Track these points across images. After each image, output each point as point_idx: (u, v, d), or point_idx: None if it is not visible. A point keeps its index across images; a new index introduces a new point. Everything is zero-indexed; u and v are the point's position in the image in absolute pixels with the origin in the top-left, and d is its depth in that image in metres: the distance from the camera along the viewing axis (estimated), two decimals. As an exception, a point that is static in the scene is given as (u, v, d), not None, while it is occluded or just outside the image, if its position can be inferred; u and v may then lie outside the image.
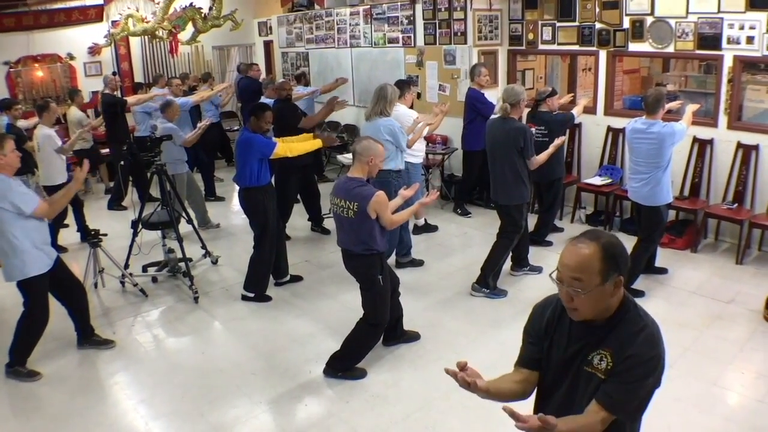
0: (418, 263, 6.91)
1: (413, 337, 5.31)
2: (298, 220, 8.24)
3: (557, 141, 6.30)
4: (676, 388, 4.57)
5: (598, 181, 7.89)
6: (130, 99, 9.69)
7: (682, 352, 5.09)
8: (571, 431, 2.14)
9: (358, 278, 4.74)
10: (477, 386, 2.17)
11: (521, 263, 6.55)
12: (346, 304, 5.61)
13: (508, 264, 6.43)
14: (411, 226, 7.30)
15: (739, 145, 7.11)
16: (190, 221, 7.03)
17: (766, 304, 5.60)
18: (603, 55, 8.10)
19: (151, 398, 4.64)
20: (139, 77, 12.87)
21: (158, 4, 11.13)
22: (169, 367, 5.06)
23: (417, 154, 7.03)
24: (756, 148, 6.98)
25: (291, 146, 6.06)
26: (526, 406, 2.50)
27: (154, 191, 7.58)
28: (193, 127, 8.37)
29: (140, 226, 6.54)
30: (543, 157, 6.07)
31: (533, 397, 2.52)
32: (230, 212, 9.27)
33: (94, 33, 12.18)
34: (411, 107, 7.18)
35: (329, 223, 7.65)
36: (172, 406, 4.52)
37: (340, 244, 4.73)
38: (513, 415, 1.98)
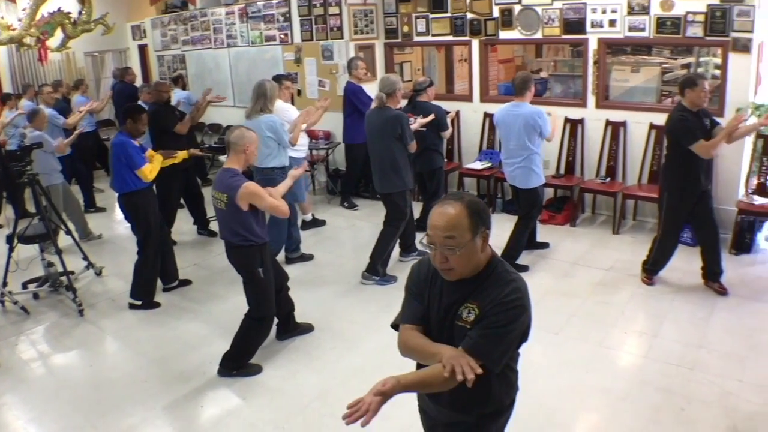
0: (308, 258, 6.94)
1: (307, 329, 5.34)
2: (183, 225, 8.12)
3: (422, 120, 6.58)
4: (564, 352, 4.85)
5: (478, 165, 8.15)
6: None
7: (568, 319, 5.37)
8: (420, 379, 2.24)
9: (239, 271, 4.73)
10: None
11: (409, 249, 6.68)
12: (238, 305, 5.53)
13: (397, 251, 6.56)
14: (299, 222, 7.31)
15: (608, 123, 7.52)
16: (69, 233, 6.79)
17: (643, 267, 6.01)
18: (475, 44, 8.37)
19: (40, 417, 4.46)
20: (7, 88, 12.24)
21: (24, 10, 10.64)
22: (58, 384, 4.88)
23: (300, 149, 7.02)
24: (624, 124, 7.41)
25: (153, 167, 5.91)
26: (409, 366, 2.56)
27: (32, 207, 7.29)
28: (66, 136, 8.06)
29: (16, 240, 6.26)
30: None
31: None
32: (113, 222, 8.99)
33: (-44, 43, 11.53)
34: (292, 103, 7.18)
35: (215, 226, 7.55)
36: (63, 423, 4.36)
37: (221, 237, 4.73)
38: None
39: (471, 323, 2.28)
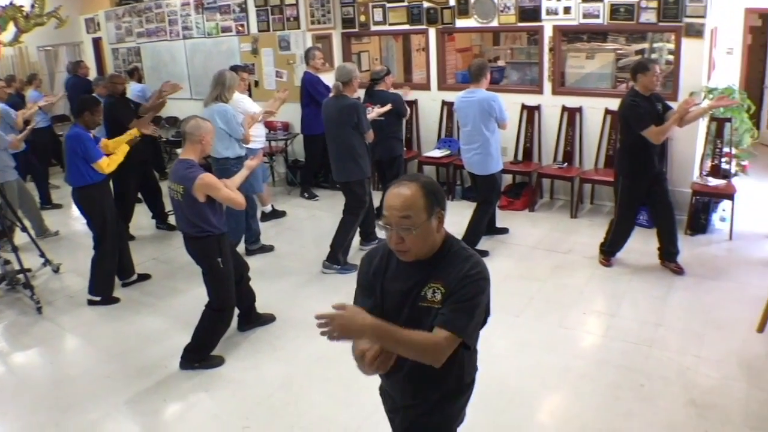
0: (268, 249, 6.93)
1: (269, 319, 5.34)
2: (142, 219, 8.03)
3: (379, 110, 6.63)
4: (525, 334, 4.94)
5: (437, 153, 8.21)
6: None
7: (528, 302, 5.46)
8: (405, 339, 2.21)
9: (198, 262, 4.71)
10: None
11: (369, 237, 6.68)
12: (198, 297, 5.48)
13: (357, 239, 6.57)
14: (259, 214, 7.28)
15: (564, 109, 7.61)
16: (24, 230, 6.68)
17: (600, 250, 6.13)
18: (432, 32, 8.40)
19: (0, 417, 4.37)
20: (-41, 84, 11.97)
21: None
22: (18, 382, 4.81)
23: (256, 139, 6.97)
24: (579, 110, 7.51)
25: (112, 159, 5.82)
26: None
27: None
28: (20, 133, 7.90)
29: (-30, 239, 6.15)
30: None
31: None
32: (69, 219, 8.84)
33: None
34: (249, 95, 7.14)
35: (175, 220, 7.50)
36: (23, 421, 4.30)
37: (178, 228, 4.71)
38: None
39: (439, 302, 2.30)
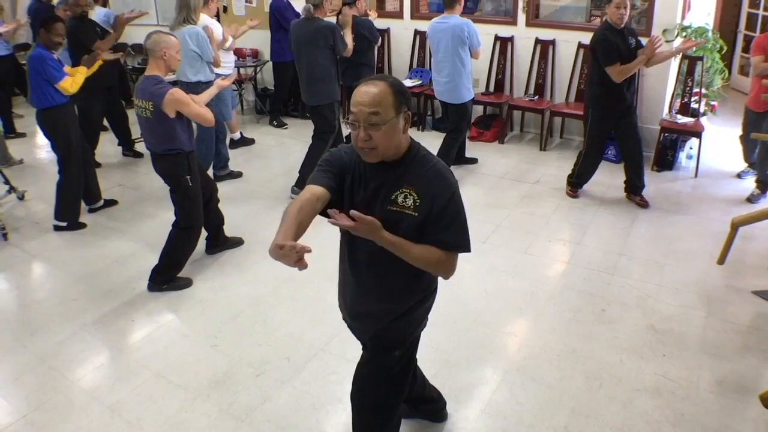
0: (237, 175, 6.90)
1: (236, 242, 5.36)
2: (108, 147, 7.91)
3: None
4: (491, 259, 5.00)
5: (408, 83, 8.16)
6: None
7: (495, 229, 5.52)
8: (418, 256, 2.32)
9: (166, 180, 4.67)
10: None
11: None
12: (167, 222, 5.42)
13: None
14: (228, 141, 7.22)
15: (537, 41, 7.58)
16: (-13, 158, 6.57)
17: (568, 181, 6.19)
18: (406, -41, 8.23)
19: (-34, 339, 4.36)
20: None
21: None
22: (-17, 307, 4.76)
23: (226, 65, 6.86)
24: (553, 43, 7.48)
25: (75, 80, 5.67)
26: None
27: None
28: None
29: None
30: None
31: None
32: (34, 147, 8.67)
33: None
34: (218, 20, 7.00)
35: (141, 147, 7.40)
36: (-10, 343, 4.28)
37: (147, 147, 4.65)
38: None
39: (413, 209, 2.31)
